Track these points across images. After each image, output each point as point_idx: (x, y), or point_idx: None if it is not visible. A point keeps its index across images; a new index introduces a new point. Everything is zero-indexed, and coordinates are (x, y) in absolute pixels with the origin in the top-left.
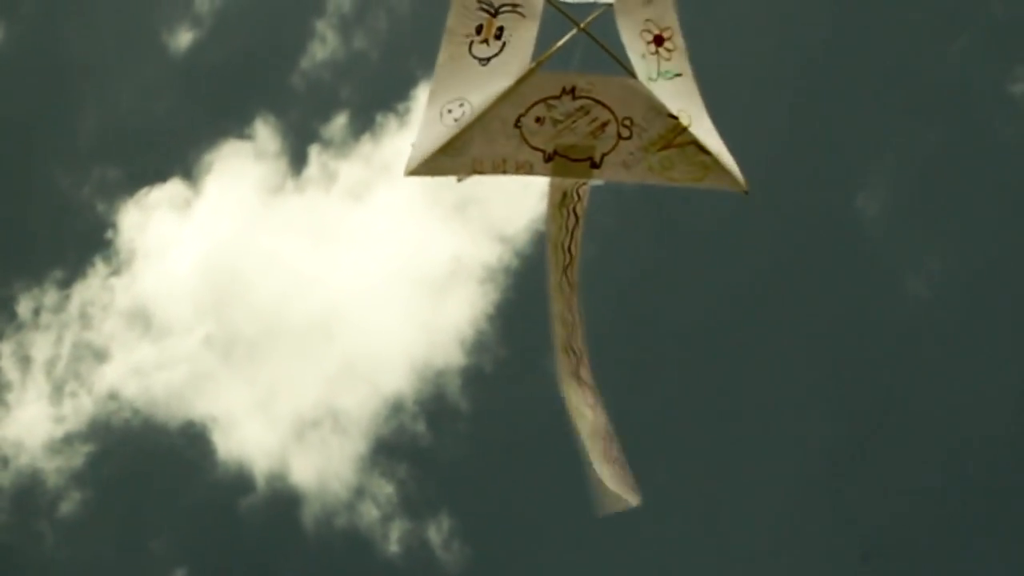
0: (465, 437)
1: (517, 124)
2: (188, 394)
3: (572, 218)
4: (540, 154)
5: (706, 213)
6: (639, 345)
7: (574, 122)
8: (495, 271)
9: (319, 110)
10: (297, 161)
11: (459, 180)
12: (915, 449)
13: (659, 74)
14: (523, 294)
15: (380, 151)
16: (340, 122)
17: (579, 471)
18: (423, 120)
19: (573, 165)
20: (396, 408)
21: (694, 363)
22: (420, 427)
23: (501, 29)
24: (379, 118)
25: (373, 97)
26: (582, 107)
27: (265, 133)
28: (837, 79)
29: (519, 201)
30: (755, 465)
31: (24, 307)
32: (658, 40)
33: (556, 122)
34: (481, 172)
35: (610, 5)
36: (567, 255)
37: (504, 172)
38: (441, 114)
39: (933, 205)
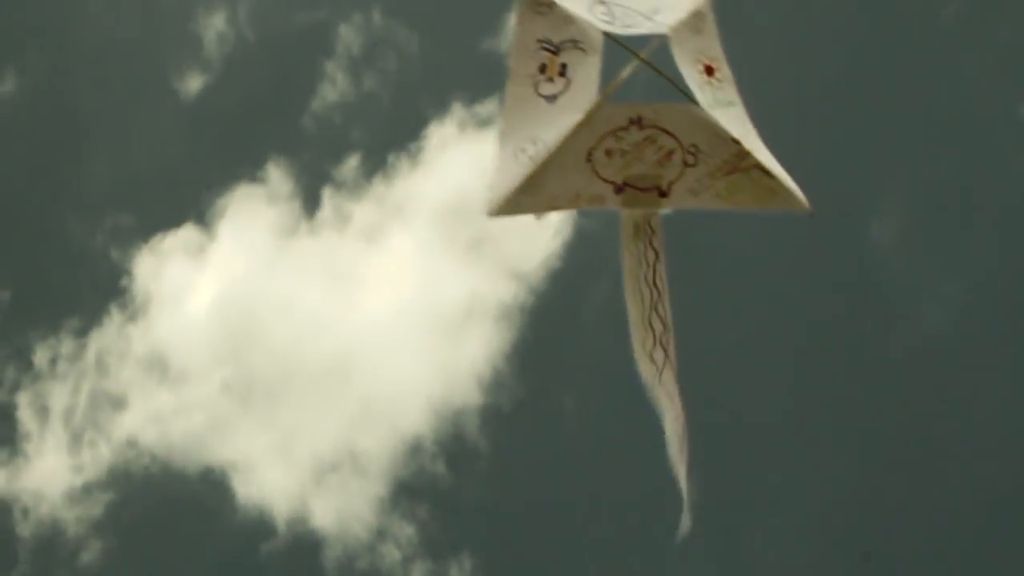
0: (485, 477)
1: (589, 158)
2: (207, 440)
3: (651, 252)
4: (610, 186)
5: (717, 243)
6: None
7: (641, 152)
8: (511, 309)
9: (331, 152)
10: (310, 203)
11: (537, 218)
12: (938, 479)
13: (715, 101)
14: (540, 332)
15: (393, 192)
16: (352, 164)
17: (600, 509)
18: (498, 161)
19: (642, 195)
20: (415, 449)
21: (704, 393)
22: (440, 467)
23: (564, 66)
24: (391, 159)
25: (384, 138)
26: (648, 136)
27: (277, 176)
28: (847, 107)
29: (533, 238)
30: (766, 496)
31: (40, 357)
32: (708, 70)
33: (624, 153)
34: (557, 208)
35: (665, 35)
36: (652, 290)
37: (578, 206)
38: (515, 154)
39: (947, 232)
